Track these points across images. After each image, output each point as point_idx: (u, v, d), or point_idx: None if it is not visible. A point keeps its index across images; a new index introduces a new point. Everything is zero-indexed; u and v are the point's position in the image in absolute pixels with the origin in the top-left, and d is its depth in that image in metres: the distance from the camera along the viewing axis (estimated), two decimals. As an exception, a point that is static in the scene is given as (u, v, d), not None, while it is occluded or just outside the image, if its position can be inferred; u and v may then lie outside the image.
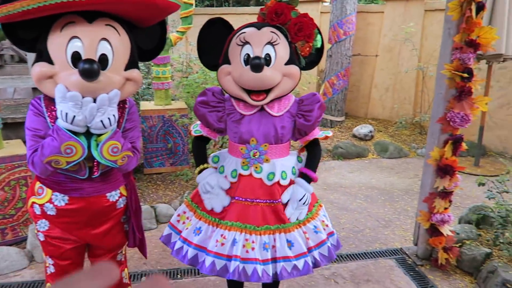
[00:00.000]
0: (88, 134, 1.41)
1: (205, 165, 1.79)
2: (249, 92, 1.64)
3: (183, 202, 3.43)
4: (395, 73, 6.26)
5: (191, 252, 1.71)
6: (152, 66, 4.21)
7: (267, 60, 1.61)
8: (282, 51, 1.63)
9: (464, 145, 2.49)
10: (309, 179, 1.76)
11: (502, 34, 3.93)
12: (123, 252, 1.86)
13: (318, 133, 1.78)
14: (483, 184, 2.76)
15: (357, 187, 4.19)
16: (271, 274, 1.63)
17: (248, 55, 1.61)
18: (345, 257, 2.84)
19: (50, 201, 1.56)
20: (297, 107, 1.73)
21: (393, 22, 6.13)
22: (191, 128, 1.83)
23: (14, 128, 4.03)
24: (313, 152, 1.83)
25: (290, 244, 1.66)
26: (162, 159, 4.18)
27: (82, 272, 0.39)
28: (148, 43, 1.59)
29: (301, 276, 1.68)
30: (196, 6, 9.66)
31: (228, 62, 1.68)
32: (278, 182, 1.71)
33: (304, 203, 1.72)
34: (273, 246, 1.66)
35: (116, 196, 1.65)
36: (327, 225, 1.84)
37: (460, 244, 2.73)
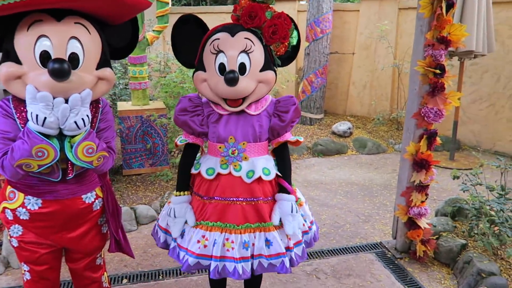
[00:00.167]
0: (60, 136, 1.38)
1: (185, 193, 1.79)
2: (226, 98, 1.66)
3: (164, 202, 3.42)
4: (372, 70, 6.36)
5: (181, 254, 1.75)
6: (129, 66, 4.15)
7: (242, 68, 1.61)
8: (257, 58, 1.63)
9: (438, 140, 2.56)
10: (287, 192, 1.77)
11: (472, 31, 4.05)
12: (102, 256, 1.83)
13: (290, 136, 1.81)
14: (458, 177, 2.84)
15: (337, 183, 4.25)
16: (249, 270, 1.66)
17: (223, 65, 1.61)
18: (326, 252, 2.87)
19: (22, 205, 1.51)
20: (274, 107, 1.75)
21: (369, 20, 6.23)
22: (176, 140, 1.81)
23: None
24: (283, 160, 1.82)
25: (268, 243, 1.67)
26: (141, 160, 4.13)
27: None
28: (120, 41, 1.56)
29: (277, 272, 1.70)
30: (173, 5, 9.58)
31: (203, 68, 1.67)
32: (259, 179, 1.71)
33: (296, 211, 1.74)
34: (253, 244, 1.67)
35: (92, 198, 1.62)
36: (303, 224, 1.84)
37: (437, 236, 2.80)
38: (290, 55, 1.77)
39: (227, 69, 1.60)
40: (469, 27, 4.01)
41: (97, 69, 1.42)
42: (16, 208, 1.52)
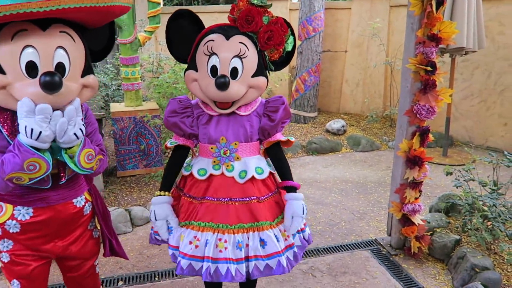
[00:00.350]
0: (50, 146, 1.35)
1: (165, 193, 1.76)
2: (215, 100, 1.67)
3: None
4: (364, 68, 6.38)
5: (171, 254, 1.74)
6: (121, 67, 4.13)
7: (234, 73, 1.60)
8: (250, 63, 1.62)
9: (431, 136, 2.58)
10: (294, 189, 1.77)
11: (463, 28, 4.09)
12: (98, 264, 1.79)
13: (281, 136, 1.81)
14: (451, 173, 2.86)
15: (331, 181, 4.26)
16: (244, 273, 1.62)
17: (215, 67, 1.60)
18: (321, 250, 2.88)
19: (12, 217, 1.45)
20: (263, 108, 1.76)
21: (360, 18, 6.25)
22: (167, 143, 1.79)
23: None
24: (280, 159, 1.82)
25: (263, 243, 1.65)
26: (136, 161, 4.11)
27: None
28: (97, 44, 1.54)
29: (275, 274, 1.68)
30: (164, 5, 9.54)
31: (195, 68, 1.66)
32: (252, 179, 1.70)
33: (306, 213, 1.74)
34: (247, 245, 1.65)
35: (82, 201, 1.59)
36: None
37: (431, 232, 2.82)
38: (283, 60, 1.77)
39: (219, 72, 1.59)
40: (460, 24, 4.05)
41: (82, 76, 1.40)
42: (4, 222, 1.45)
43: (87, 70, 1.42)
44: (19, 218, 1.45)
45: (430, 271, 2.64)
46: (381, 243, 2.95)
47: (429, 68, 2.40)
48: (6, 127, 1.37)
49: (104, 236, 1.72)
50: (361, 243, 3.00)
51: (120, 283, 2.52)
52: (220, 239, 1.62)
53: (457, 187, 2.86)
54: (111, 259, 2.75)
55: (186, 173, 1.77)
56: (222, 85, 1.54)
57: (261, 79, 1.67)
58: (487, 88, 5.17)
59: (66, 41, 1.32)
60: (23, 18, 1.20)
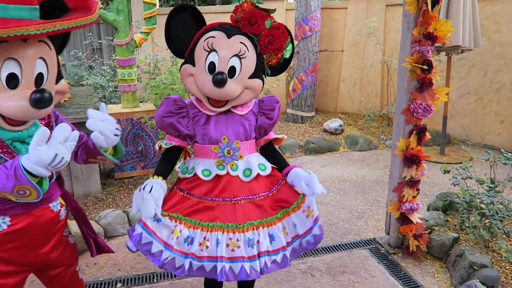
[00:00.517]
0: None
1: (160, 178, 1.65)
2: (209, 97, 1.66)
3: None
4: (361, 67, 6.39)
5: (170, 257, 1.61)
6: (118, 68, 4.12)
7: (231, 72, 1.60)
8: (248, 64, 1.63)
9: (428, 135, 2.58)
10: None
11: (458, 27, 4.10)
12: (80, 270, 1.76)
13: (275, 134, 1.85)
14: (448, 172, 2.87)
15: (329, 180, 4.26)
16: (258, 270, 1.59)
17: (213, 64, 1.60)
18: (320, 250, 2.88)
19: None
20: (258, 107, 1.78)
21: (357, 18, 6.26)
22: (162, 144, 1.74)
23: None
24: (275, 153, 1.86)
25: (271, 238, 1.64)
26: (133, 162, 4.11)
27: None
28: (56, 41, 1.49)
29: (279, 269, 1.67)
30: (160, 6, 9.54)
31: (193, 62, 1.66)
32: (257, 176, 1.71)
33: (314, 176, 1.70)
34: (258, 241, 1.62)
35: (58, 206, 1.55)
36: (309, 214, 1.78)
37: (429, 230, 2.82)
38: (280, 67, 1.78)
39: (217, 69, 1.59)
40: (455, 22, 4.06)
41: (56, 83, 1.39)
42: None
43: (59, 76, 1.41)
44: None
45: (429, 269, 2.64)
46: (380, 242, 2.95)
47: (425, 67, 2.40)
48: None
49: (87, 237, 1.69)
50: (359, 242, 3.00)
51: (119, 285, 2.51)
52: (231, 239, 1.58)
53: (454, 185, 2.87)
54: (109, 261, 2.74)
55: (188, 176, 1.72)
56: (219, 82, 1.54)
57: (257, 81, 1.68)
58: (484, 86, 5.18)
59: (45, 50, 1.31)
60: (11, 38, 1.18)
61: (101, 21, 8.00)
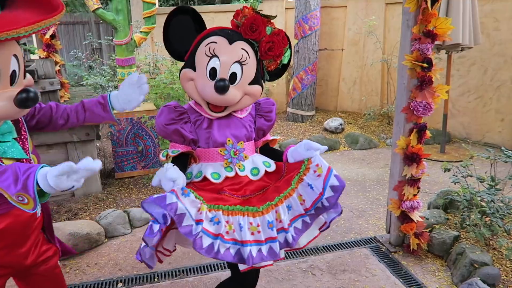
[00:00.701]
0: None
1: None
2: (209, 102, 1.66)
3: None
4: (361, 66, 6.39)
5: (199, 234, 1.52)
6: (118, 68, 4.12)
7: (232, 78, 1.61)
8: (249, 70, 1.63)
9: (428, 133, 2.58)
10: None
11: (458, 24, 4.09)
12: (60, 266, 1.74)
13: (270, 136, 1.89)
14: (449, 170, 2.86)
15: (329, 179, 4.25)
16: (278, 251, 1.54)
17: (214, 70, 1.60)
18: (321, 249, 2.88)
19: None
20: (255, 110, 1.82)
21: (356, 16, 6.25)
22: (168, 153, 1.70)
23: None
24: (273, 151, 1.89)
25: (288, 209, 1.61)
26: (133, 162, 4.11)
27: None
28: None
29: (302, 234, 1.62)
30: (160, 5, 9.54)
31: (193, 67, 1.65)
32: (265, 173, 1.73)
33: (307, 140, 1.73)
34: (277, 219, 1.57)
35: None
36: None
37: (430, 229, 2.82)
38: (278, 72, 1.79)
39: (218, 75, 1.59)
40: (455, 20, 4.06)
41: (23, 79, 1.39)
42: None
43: (25, 72, 1.40)
44: None
45: (430, 267, 2.64)
46: (380, 241, 2.95)
47: (425, 65, 2.40)
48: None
49: (53, 238, 1.68)
50: (360, 241, 3.00)
51: (120, 285, 2.51)
52: (251, 223, 1.54)
53: (455, 184, 2.87)
54: (110, 261, 2.75)
55: (196, 180, 1.70)
56: (222, 88, 1.55)
57: (257, 88, 1.69)
58: (484, 84, 5.18)
59: (16, 47, 1.31)
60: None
61: (101, 21, 7.99)
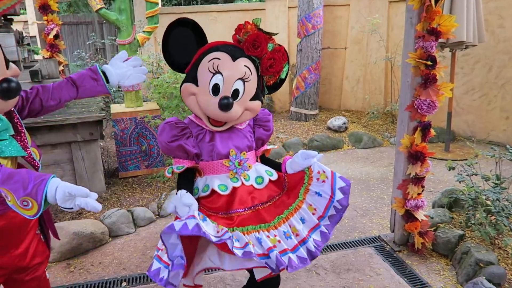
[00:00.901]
0: None
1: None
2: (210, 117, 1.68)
3: (162, 204, 3.40)
4: (364, 65, 6.37)
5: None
6: (121, 68, 4.12)
7: (235, 94, 1.62)
8: (251, 87, 1.65)
9: (432, 131, 2.57)
10: None
11: (462, 22, 4.07)
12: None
13: (267, 145, 1.94)
14: (453, 168, 2.85)
15: (333, 178, 4.24)
16: (306, 256, 1.58)
17: (217, 86, 1.60)
18: (325, 248, 2.87)
19: None
20: (253, 120, 1.85)
21: (359, 14, 6.23)
22: (174, 169, 1.69)
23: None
24: (270, 160, 1.94)
25: (302, 221, 1.66)
26: (137, 162, 4.11)
27: None
28: None
29: (324, 244, 1.67)
30: (163, 5, 9.55)
31: (195, 81, 1.65)
32: (270, 181, 1.76)
33: (302, 150, 1.80)
34: (296, 234, 1.61)
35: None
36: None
37: (434, 228, 2.81)
38: (276, 86, 1.82)
39: (221, 92, 1.60)
40: (459, 17, 4.03)
41: (6, 69, 1.37)
42: None
43: (6, 60, 1.37)
44: None
45: (434, 266, 2.63)
46: (385, 240, 2.94)
47: (429, 63, 2.38)
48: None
49: (49, 236, 1.69)
50: (364, 240, 2.99)
51: (124, 284, 2.52)
52: (268, 236, 1.57)
53: (460, 182, 2.85)
54: (114, 260, 2.75)
55: (203, 194, 1.70)
56: (226, 106, 1.57)
57: (257, 103, 1.71)
58: (488, 82, 5.15)
59: None
60: None
61: (104, 21, 8.01)
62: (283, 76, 1.78)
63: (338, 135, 5.58)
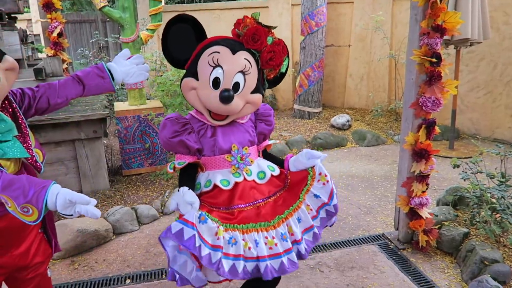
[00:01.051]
0: None
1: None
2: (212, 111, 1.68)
3: (165, 201, 3.41)
4: (368, 62, 6.34)
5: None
6: (124, 66, 4.12)
7: (235, 87, 1.62)
8: (251, 80, 1.66)
9: (437, 129, 2.55)
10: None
11: (467, 19, 4.04)
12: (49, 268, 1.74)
13: (268, 140, 1.94)
14: (458, 166, 2.83)
15: (337, 176, 4.24)
16: (296, 260, 1.62)
17: (218, 79, 1.60)
18: (329, 245, 2.87)
19: None
20: (254, 115, 1.85)
21: (363, 12, 6.20)
22: (175, 164, 1.69)
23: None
24: (272, 155, 1.96)
25: (298, 221, 1.69)
26: (141, 159, 4.12)
27: None
28: None
29: (313, 245, 1.73)
30: (166, 3, 9.55)
31: (195, 76, 1.65)
32: (272, 176, 1.77)
33: (306, 150, 1.83)
34: (292, 233, 1.65)
35: None
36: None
37: (439, 225, 2.80)
38: (276, 80, 1.82)
39: (221, 85, 1.60)
40: (464, 14, 4.00)
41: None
42: None
43: (1, 53, 1.36)
44: None
45: (439, 264, 2.62)
46: (389, 238, 2.93)
47: (434, 60, 2.37)
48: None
49: (50, 237, 1.68)
50: (368, 237, 2.98)
51: (128, 281, 2.53)
52: (266, 237, 1.60)
53: (464, 180, 2.83)
54: (118, 258, 2.76)
55: (206, 189, 1.70)
56: (227, 99, 1.57)
57: (258, 96, 1.71)
58: (493, 79, 5.11)
59: None
60: None
61: (107, 19, 8.02)
62: (283, 70, 1.79)
63: (342, 133, 5.57)
